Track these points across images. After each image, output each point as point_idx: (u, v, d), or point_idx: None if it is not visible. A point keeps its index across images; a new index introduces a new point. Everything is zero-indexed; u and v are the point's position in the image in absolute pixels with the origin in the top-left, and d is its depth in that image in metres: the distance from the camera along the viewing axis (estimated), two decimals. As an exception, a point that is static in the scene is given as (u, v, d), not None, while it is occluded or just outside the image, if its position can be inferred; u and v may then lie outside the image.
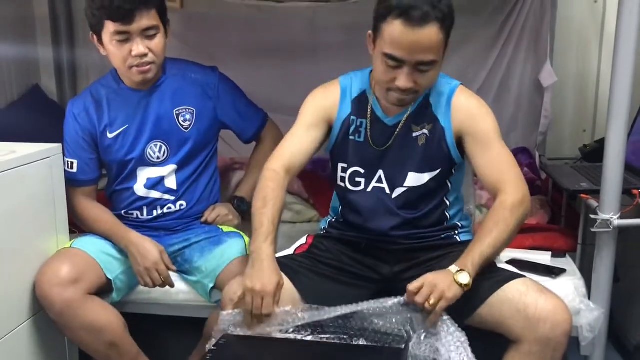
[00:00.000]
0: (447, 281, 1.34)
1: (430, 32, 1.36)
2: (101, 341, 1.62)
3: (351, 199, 1.60)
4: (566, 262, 1.88)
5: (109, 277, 1.70)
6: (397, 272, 1.58)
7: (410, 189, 1.55)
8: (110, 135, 1.79)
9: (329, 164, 2.45)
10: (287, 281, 1.48)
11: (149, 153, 1.80)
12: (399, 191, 1.56)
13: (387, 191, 1.56)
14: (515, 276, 1.44)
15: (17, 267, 1.58)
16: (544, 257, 1.89)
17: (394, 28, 1.36)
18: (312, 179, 2.42)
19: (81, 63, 2.82)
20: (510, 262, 1.82)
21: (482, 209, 2.25)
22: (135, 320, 1.79)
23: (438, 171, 1.55)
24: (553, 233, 2.03)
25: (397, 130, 1.54)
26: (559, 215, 2.21)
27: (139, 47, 1.65)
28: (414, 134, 1.54)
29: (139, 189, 1.83)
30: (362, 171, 1.57)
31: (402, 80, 1.41)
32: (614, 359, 2.07)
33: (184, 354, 1.85)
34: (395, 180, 1.56)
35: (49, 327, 1.65)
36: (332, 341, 1.38)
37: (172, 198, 1.84)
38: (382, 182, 1.57)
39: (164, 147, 1.81)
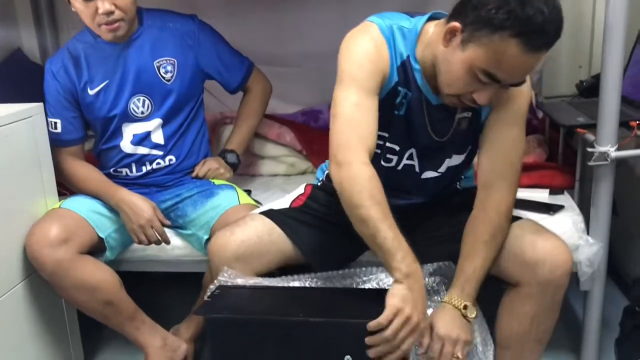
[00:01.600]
0: (458, 326, 1.27)
1: (542, 56, 1.17)
2: (96, 300, 1.61)
3: (377, 171, 1.47)
4: (564, 199, 1.86)
5: (101, 235, 1.68)
6: (402, 229, 1.53)
7: (443, 174, 1.47)
8: (91, 92, 1.75)
9: (321, 114, 2.47)
10: (285, 238, 1.43)
11: (132, 108, 1.76)
12: (429, 174, 1.47)
13: (417, 169, 1.45)
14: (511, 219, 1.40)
15: (6, 230, 1.56)
16: (541, 195, 1.87)
17: (509, 48, 1.13)
18: (305, 130, 2.38)
19: (62, 25, 2.74)
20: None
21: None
22: (134, 278, 1.78)
23: (469, 150, 1.46)
24: (550, 171, 2.01)
25: (446, 114, 1.37)
26: (556, 153, 2.18)
27: (104, 4, 1.60)
28: (457, 116, 1.38)
29: (126, 145, 1.79)
30: (397, 148, 1.43)
31: (485, 97, 1.22)
32: (613, 294, 2.07)
33: (184, 309, 1.85)
34: (428, 164, 1.45)
35: (44, 288, 1.64)
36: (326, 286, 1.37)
37: (161, 153, 1.81)
38: (412, 159, 1.44)
39: (147, 101, 1.76)
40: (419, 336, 1.18)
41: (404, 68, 1.34)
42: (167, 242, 1.73)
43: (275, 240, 1.42)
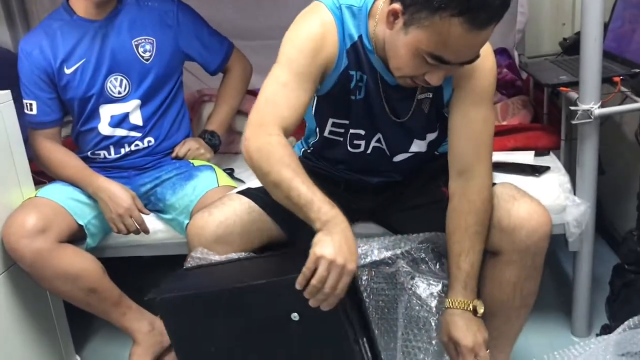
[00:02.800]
0: (476, 329, 1.26)
1: (490, 31, 1.11)
2: (79, 288, 1.58)
3: (345, 156, 1.44)
4: (550, 160, 1.84)
5: (80, 223, 1.64)
6: (378, 205, 1.52)
7: (415, 154, 1.42)
8: (67, 71, 1.70)
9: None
10: (265, 216, 1.39)
11: (109, 87, 1.71)
12: (401, 157, 1.42)
13: (387, 153, 1.41)
14: None
15: (-19, 222, 1.52)
16: (526, 157, 1.85)
17: (452, 29, 1.07)
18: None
19: (32, 9, 2.67)
20: (493, 165, 1.76)
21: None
22: (118, 263, 1.76)
23: (437, 133, 1.41)
24: (535, 132, 1.98)
25: (406, 94, 1.32)
26: (542, 113, 2.15)
27: None
28: (417, 97, 1.33)
29: (104, 127, 1.75)
30: (363, 133, 1.38)
31: (437, 78, 1.17)
32: (604, 252, 2.06)
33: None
34: (397, 147, 1.41)
35: (26, 279, 1.61)
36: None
37: (139, 135, 1.77)
38: (381, 144, 1.40)
39: (124, 81, 1.72)
40: (349, 277, 1.11)
41: (355, 50, 1.28)
42: (147, 231, 1.68)
43: (255, 219, 1.38)
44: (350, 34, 1.27)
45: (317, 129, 1.44)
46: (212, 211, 1.36)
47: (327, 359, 1.19)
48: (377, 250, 1.36)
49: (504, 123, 2.08)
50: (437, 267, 1.36)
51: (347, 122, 1.37)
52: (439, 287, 1.32)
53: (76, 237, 1.65)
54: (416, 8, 1.10)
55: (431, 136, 1.41)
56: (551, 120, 2.08)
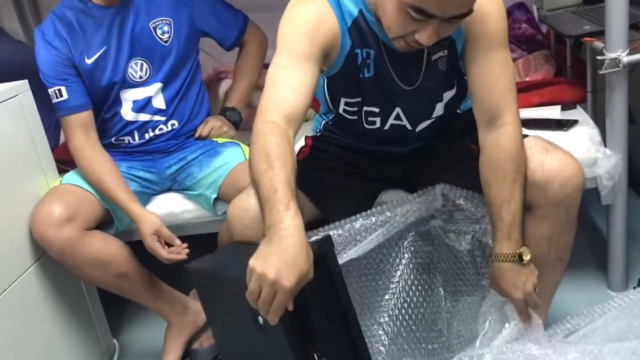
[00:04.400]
0: (524, 278, 1.24)
1: None
2: (110, 274, 1.59)
3: (363, 133, 1.40)
4: (577, 113, 1.80)
5: (107, 207, 1.64)
6: (405, 171, 1.50)
7: (437, 117, 1.38)
8: (89, 61, 1.67)
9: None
10: (299, 192, 1.28)
11: (130, 73, 1.69)
12: (424, 124, 1.39)
13: (409, 127, 1.38)
14: None
15: (9, 214, 1.52)
16: (553, 112, 1.80)
17: None
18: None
19: (43, 6, 2.66)
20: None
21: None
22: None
23: (455, 89, 1.37)
24: (560, 86, 1.93)
25: (414, 59, 1.27)
26: (565, 67, 2.10)
27: None
28: (433, 58, 1.28)
29: (127, 113, 1.74)
30: (377, 110, 1.36)
31: (426, 36, 1.11)
32: (636, 205, 2.02)
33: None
34: (418, 117, 1.37)
35: (58, 268, 1.62)
36: None
37: (163, 119, 1.76)
38: (401, 120, 1.37)
39: (145, 65, 1.70)
40: (285, 295, 0.99)
41: (358, 27, 1.24)
42: (177, 260, 1.58)
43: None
44: (349, 11, 1.23)
45: (332, 107, 1.41)
46: (250, 192, 1.30)
47: None
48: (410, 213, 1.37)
49: (527, 79, 2.03)
50: (471, 206, 1.36)
51: (359, 99, 1.34)
52: (471, 231, 1.36)
53: (103, 221, 1.66)
54: None
55: (449, 94, 1.37)
56: (575, 74, 2.04)
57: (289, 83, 1.17)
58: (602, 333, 1.35)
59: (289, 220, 1.02)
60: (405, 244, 1.42)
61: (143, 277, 1.65)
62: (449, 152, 1.43)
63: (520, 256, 1.23)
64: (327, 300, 1.12)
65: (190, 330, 1.74)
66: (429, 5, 1.06)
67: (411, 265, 1.43)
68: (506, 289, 1.26)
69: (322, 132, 1.54)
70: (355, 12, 1.23)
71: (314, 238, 1.15)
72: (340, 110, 1.38)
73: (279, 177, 1.07)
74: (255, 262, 1.01)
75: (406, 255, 1.43)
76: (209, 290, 1.28)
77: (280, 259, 0.99)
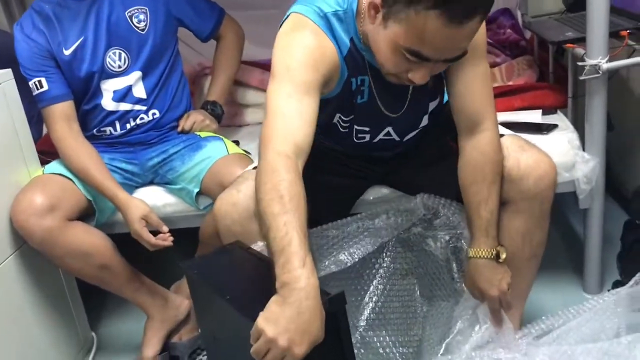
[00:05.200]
0: (500, 276, 1.27)
1: (472, 26, 1.03)
2: (91, 265, 1.59)
3: (352, 144, 1.42)
4: (558, 118, 1.83)
5: (89, 198, 1.64)
6: (389, 169, 1.53)
7: (423, 127, 1.42)
8: (67, 52, 1.68)
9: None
10: None
11: (109, 62, 1.70)
12: (411, 134, 1.42)
13: (397, 139, 1.41)
14: None
15: (-10, 203, 1.52)
16: (534, 116, 1.84)
17: (428, 22, 1.01)
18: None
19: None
20: (501, 124, 1.75)
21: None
22: (128, 239, 1.76)
23: (438, 99, 1.40)
24: (542, 91, 1.96)
25: (406, 89, 1.30)
26: (547, 73, 2.13)
27: None
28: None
29: (107, 103, 1.74)
30: (367, 129, 1.38)
31: (419, 77, 1.12)
32: (613, 210, 2.06)
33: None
34: (407, 131, 1.40)
35: (39, 258, 1.62)
36: None
37: (144, 108, 1.76)
38: (390, 135, 1.40)
39: (123, 54, 1.71)
40: None
41: (352, 55, 1.24)
42: (162, 246, 1.59)
43: None
44: (343, 40, 1.23)
45: (326, 119, 1.40)
46: (239, 187, 1.29)
47: None
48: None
49: (510, 83, 2.06)
50: (449, 213, 1.40)
51: (352, 116, 1.35)
52: (447, 237, 1.39)
53: (85, 213, 1.65)
54: (393, 0, 1.05)
55: (433, 104, 1.40)
56: (557, 79, 2.06)
57: (296, 112, 1.13)
58: (576, 334, 1.37)
59: (305, 281, 0.96)
60: (385, 250, 1.46)
61: (124, 269, 1.64)
62: (429, 149, 1.46)
63: (497, 254, 1.27)
64: (330, 356, 1.05)
65: (170, 324, 1.74)
66: (425, 50, 1.06)
67: (390, 271, 1.47)
68: (482, 285, 1.28)
69: None
70: (348, 41, 1.23)
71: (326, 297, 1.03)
72: (334, 121, 1.38)
73: (293, 224, 1.01)
74: (266, 325, 0.93)
75: (386, 261, 1.46)
76: (202, 297, 1.25)
77: (294, 325, 0.93)
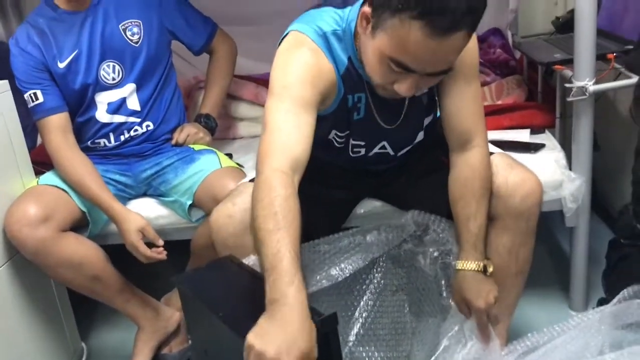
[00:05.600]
0: (487, 289, 1.29)
1: (456, 41, 1.05)
2: (83, 276, 1.60)
3: (346, 157, 1.44)
4: (545, 138, 1.86)
5: (83, 209, 1.65)
6: (381, 182, 1.55)
7: (418, 142, 1.45)
8: (61, 65, 1.70)
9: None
10: None
11: (103, 75, 1.72)
12: (405, 149, 1.45)
13: (392, 153, 1.44)
14: None
15: (-17, 213, 1.53)
16: (522, 135, 1.87)
17: (411, 33, 1.03)
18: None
19: (26, 8, 2.65)
20: (490, 142, 1.77)
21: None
22: (121, 251, 1.77)
23: (432, 115, 1.43)
24: (530, 110, 2.00)
25: (401, 104, 1.34)
26: (536, 92, 2.17)
27: None
28: (417, 95, 1.31)
29: (102, 115, 1.76)
30: (363, 143, 1.41)
31: (405, 88, 1.13)
32: (599, 229, 2.09)
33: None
34: (402, 145, 1.44)
35: (30, 269, 1.63)
36: None
37: (138, 120, 1.78)
38: (385, 149, 1.42)
39: (117, 67, 1.73)
40: None
41: (349, 74, 1.26)
42: (157, 259, 1.60)
43: None
44: (340, 59, 1.25)
45: (322, 135, 1.41)
46: (234, 200, 1.30)
47: None
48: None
49: (499, 102, 2.09)
50: (439, 230, 1.42)
51: (348, 132, 1.38)
52: (436, 254, 1.40)
53: (79, 224, 1.66)
54: (381, 10, 1.07)
55: (427, 120, 1.43)
56: (545, 99, 2.10)
57: (293, 127, 1.15)
58: (561, 352, 1.39)
59: (292, 298, 0.97)
60: (375, 266, 1.48)
61: (116, 280, 1.66)
62: (421, 163, 1.49)
63: (485, 267, 1.30)
64: None
65: (160, 335, 1.74)
66: (409, 61, 1.08)
67: (380, 287, 1.48)
68: (468, 297, 1.30)
69: None
70: (346, 60, 1.26)
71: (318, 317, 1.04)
72: (330, 137, 1.40)
73: (286, 241, 1.03)
74: (255, 340, 0.95)
75: (377, 277, 1.48)
76: (193, 311, 1.25)
77: (281, 337, 0.94)
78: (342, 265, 1.36)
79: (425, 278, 1.45)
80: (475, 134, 1.32)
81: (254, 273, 1.22)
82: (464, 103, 1.31)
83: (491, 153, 1.37)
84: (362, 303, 1.49)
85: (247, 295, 1.19)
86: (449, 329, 1.40)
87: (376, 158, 1.45)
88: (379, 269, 1.49)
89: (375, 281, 1.49)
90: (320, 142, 1.43)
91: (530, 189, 1.32)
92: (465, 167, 1.32)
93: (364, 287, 1.49)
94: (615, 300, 1.40)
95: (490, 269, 1.31)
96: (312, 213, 1.21)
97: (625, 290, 1.40)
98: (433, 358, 1.39)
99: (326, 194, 1.49)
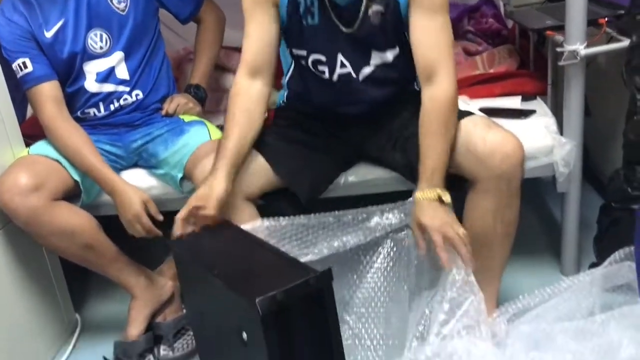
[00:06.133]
0: (444, 213, 1.29)
1: None
2: (75, 245, 1.59)
3: (315, 85, 1.50)
4: (537, 104, 1.86)
5: (75, 178, 1.64)
6: (367, 139, 1.57)
7: (377, 67, 1.46)
8: (48, 34, 1.68)
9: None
10: (257, 155, 1.46)
11: (91, 44, 1.70)
12: (365, 72, 1.46)
13: (354, 75, 1.46)
14: (463, 115, 1.40)
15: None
16: (514, 102, 1.87)
17: None
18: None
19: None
20: (480, 110, 1.78)
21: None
22: (114, 221, 1.76)
23: (399, 49, 1.44)
24: (522, 78, 2.00)
25: (352, 9, 1.38)
26: (528, 62, 2.17)
27: None
28: (369, 11, 1.37)
29: (91, 85, 1.74)
30: (324, 59, 1.44)
31: None
32: (590, 196, 2.09)
33: (166, 248, 1.84)
34: (359, 61, 1.45)
35: (23, 237, 1.62)
36: None
37: (127, 89, 1.76)
38: (345, 67, 1.45)
39: (104, 35, 1.71)
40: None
41: None
42: (158, 235, 1.63)
43: (256, 166, 1.46)
44: None
45: (291, 58, 1.52)
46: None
47: None
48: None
49: (491, 71, 2.09)
50: None
51: (304, 51, 1.43)
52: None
53: (71, 193, 1.66)
54: None
55: (391, 53, 1.44)
56: (537, 67, 2.09)
57: (247, 42, 1.42)
58: (553, 313, 1.42)
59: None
60: (379, 248, 1.47)
61: (109, 248, 1.66)
62: (408, 124, 1.48)
63: (440, 197, 1.30)
64: (316, 333, 1.10)
65: (154, 304, 1.75)
66: None
67: (382, 268, 1.48)
68: (424, 220, 1.29)
69: (285, 102, 1.63)
70: None
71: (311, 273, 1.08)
72: (299, 59, 1.47)
73: (228, 145, 1.38)
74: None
75: (380, 258, 1.48)
76: (189, 275, 1.27)
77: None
78: (345, 239, 1.40)
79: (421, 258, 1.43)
80: (440, 67, 1.34)
81: (250, 236, 1.23)
82: (430, 34, 1.34)
83: (471, 114, 1.38)
84: (363, 283, 1.50)
85: (243, 257, 1.21)
86: (439, 297, 1.38)
87: (342, 86, 1.46)
88: (382, 251, 1.49)
89: (378, 263, 1.49)
90: (294, 72, 1.54)
91: (511, 150, 1.32)
92: (427, 102, 1.35)
93: (366, 267, 1.50)
94: (606, 262, 1.42)
95: (446, 199, 1.30)
96: (295, 173, 1.37)
97: (616, 252, 1.42)
98: (421, 327, 1.39)
99: (310, 155, 1.53)
